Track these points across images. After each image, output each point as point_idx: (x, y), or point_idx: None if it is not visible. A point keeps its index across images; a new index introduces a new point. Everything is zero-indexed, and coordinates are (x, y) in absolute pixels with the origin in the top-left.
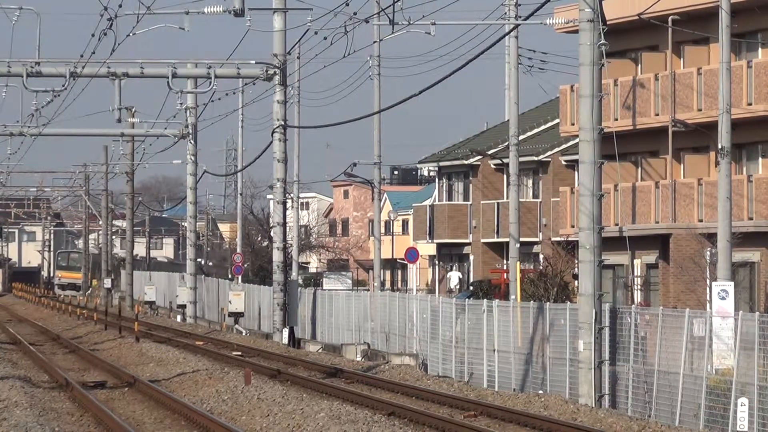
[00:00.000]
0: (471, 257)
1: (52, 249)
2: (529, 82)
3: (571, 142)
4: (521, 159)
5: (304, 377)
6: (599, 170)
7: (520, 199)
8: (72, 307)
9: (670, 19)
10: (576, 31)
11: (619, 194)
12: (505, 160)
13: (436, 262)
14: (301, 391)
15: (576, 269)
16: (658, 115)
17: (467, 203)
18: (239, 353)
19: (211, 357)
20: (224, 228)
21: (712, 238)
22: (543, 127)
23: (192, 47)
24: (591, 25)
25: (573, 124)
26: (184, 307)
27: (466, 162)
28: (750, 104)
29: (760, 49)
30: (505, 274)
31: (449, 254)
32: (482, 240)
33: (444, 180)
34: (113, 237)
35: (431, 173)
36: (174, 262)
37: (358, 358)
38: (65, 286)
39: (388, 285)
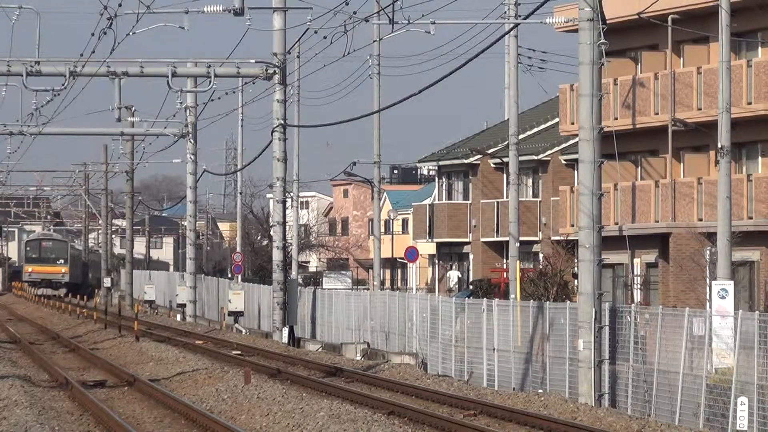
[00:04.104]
0: (471, 256)
1: None
2: (529, 81)
3: (571, 141)
4: (521, 158)
5: (304, 376)
6: (599, 169)
7: (520, 198)
8: (72, 306)
9: (669, 18)
10: (576, 30)
11: (618, 193)
12: (504, 159)
13: (436, 261)
14: (300, 390)
15: (576, 268)
16: (657, 114)
17: (467, 202)
18: (239, 352)
19: (210, 356)
20: (224, 227)
21: (711, 237)
22: (543, 126)
23: (192, 46)
24: (591, 24)
25: (573, 123)
26: (183, 306)
27: (465, 161)
28: (750, 103)
29: (759, 49)
30: (505, 273)
31: (449, 253)
32: (482, 239)
33: (444, 179)
34: (113, 236)
35: (431, 172)
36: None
37: (358, 357)
38: (39, 284)
39: (387, 284)
